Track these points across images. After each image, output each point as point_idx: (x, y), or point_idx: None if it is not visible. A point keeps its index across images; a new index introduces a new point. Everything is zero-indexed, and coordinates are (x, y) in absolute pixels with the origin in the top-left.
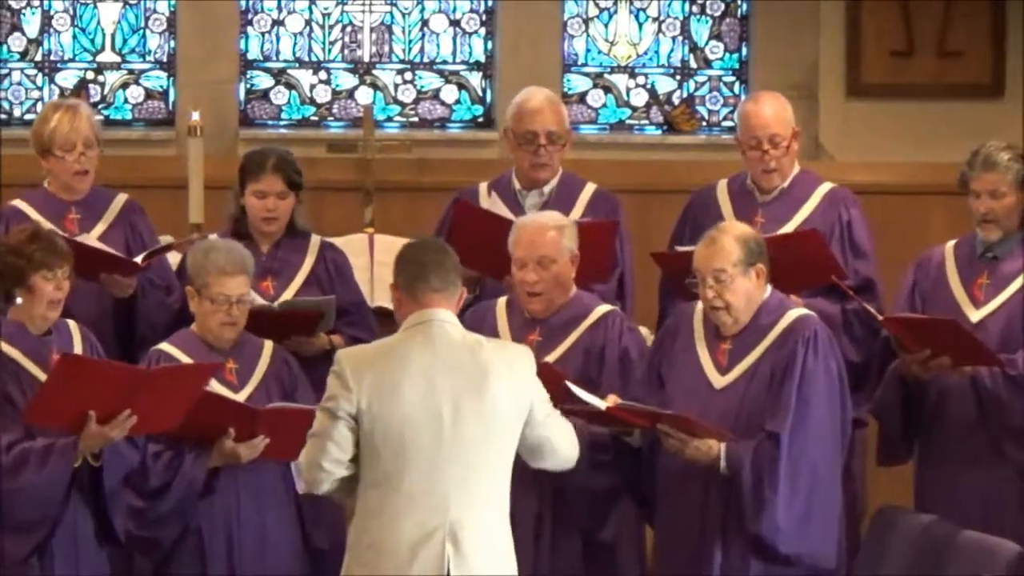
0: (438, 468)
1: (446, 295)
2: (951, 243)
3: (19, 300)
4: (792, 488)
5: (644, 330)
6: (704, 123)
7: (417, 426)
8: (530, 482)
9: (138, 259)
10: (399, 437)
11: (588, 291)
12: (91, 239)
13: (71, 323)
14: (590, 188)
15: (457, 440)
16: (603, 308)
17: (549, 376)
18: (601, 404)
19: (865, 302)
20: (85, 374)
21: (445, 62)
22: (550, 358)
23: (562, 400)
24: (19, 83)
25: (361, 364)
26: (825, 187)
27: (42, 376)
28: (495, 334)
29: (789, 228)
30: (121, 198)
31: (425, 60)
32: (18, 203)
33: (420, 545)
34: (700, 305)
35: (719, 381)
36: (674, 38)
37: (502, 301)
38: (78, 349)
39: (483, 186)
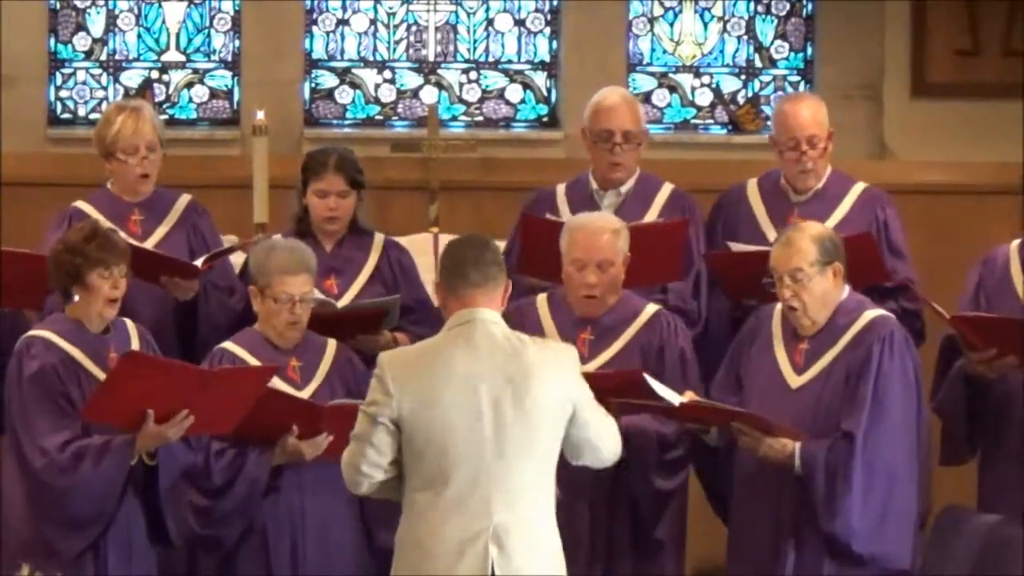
0: (482, 471)
1: (486, 290)
2: (1016, 242)
3: (76, 298)
4: (867, 488)
5: None
6: (769, 123)
7: (460, 430)
8: (585, 486)
9: (198, 262)
10: (442, 441)
11: (662, 291)
12: (151, 244)
13: (128, 322)
14: (667, 188)
15: (500, 443)
16: (652, 307)
17: (628, 378)
18: (676, 400)
19: (905, 302)
20: (145, 372)
21: (510, 61)
22: (604, 356)
23: (638, 396)
24: (84, 83)
25: (402, 368)
26: (859, 187)
27: (100, 374)
28: (540, 332)
29: None
30: (184, 199)
31: (490, 59)
32: (81, 204)
33: (465, 547)
34: (779, 306)
35: (795, 381)
36: (739, 37)
37: (542, 298)
38: (135, 348)
39: (560, 187)
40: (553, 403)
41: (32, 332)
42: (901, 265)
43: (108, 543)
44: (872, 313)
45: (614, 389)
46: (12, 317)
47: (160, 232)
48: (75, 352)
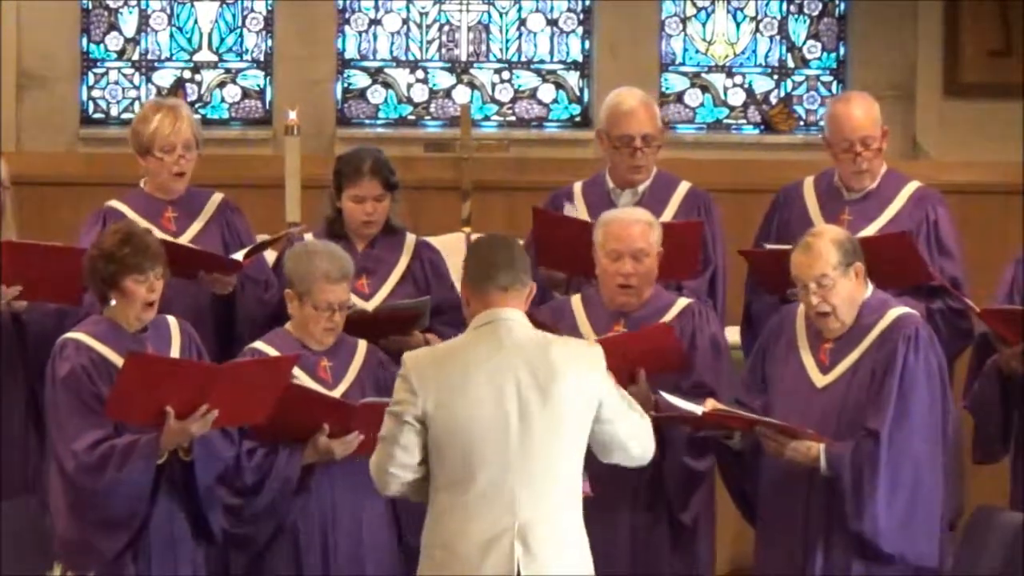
0: (506, 469)
1: (513, 293)
2: None
3: (113, 303)
4: (894, 486)
5: (732, 329)
6: (801, 122)
7: (484, 428)
8: (622, 476)
9: (239, 256)
10: (466, 439)
11: (677, 289)
12: (186, 240)
13: (171, 319)
14: (684, 187)
15: (525, 441)
16: (684, 300)
17: (656, 333)
18: (698, 409)
19: (952, 302)
20: (154, 372)
21: (542, 61)
22: None
23: (666, 351)
24: (116, 82)
25: (427, 367)
26: (912, 186)
27: None
28: (574, 330)
29: (876, 226)
30: (217, 197)
31: (522, 59)
32: (115, 203)
33: (490, 546)
34: (802, 306)
35: (821, 381)
36: (772, 37)
37: (576, 297)
38: (176, 345)
39: (577, 185)
40: (578, 400)
41: (67, 334)
42: (949, 264)
43: (151, 542)
44: (896, 311)
45: (650, 350)
46: (58, 316)
47: (195, 229)
48: (108, 352)
